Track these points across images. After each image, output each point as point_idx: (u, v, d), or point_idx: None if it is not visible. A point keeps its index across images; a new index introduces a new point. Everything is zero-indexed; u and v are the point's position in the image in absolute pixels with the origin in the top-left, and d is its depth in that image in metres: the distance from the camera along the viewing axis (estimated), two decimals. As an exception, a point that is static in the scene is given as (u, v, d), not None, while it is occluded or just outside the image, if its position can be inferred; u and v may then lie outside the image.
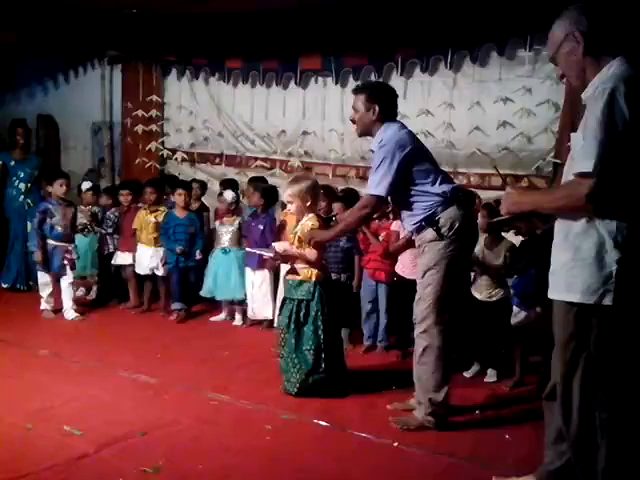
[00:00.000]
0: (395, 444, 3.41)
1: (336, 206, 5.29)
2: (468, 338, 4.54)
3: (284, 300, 4.23)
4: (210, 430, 3.56)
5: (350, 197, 5.42)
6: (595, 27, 2.40)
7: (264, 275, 5.65)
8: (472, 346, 4.61)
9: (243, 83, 7.01)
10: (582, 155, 2.29)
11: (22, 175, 6.89)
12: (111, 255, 6.31)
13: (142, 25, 6.54)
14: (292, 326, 4.05)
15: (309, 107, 6.70)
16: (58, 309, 5.94)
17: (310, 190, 4.10)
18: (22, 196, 6.86)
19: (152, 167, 7.47)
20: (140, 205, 6.21)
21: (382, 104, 3.67)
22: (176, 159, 7.47)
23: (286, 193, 4.22)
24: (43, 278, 5.92)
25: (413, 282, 3.79)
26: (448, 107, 5.91)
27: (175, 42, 6.98)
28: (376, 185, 3.56)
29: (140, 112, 7.45)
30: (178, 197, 5.99)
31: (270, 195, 5.76)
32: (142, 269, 6.08)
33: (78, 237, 6.18)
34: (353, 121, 3.80)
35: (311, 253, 4.04)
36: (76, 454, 3.17)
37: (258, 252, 4.95)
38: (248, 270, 5.69)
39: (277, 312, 4.61)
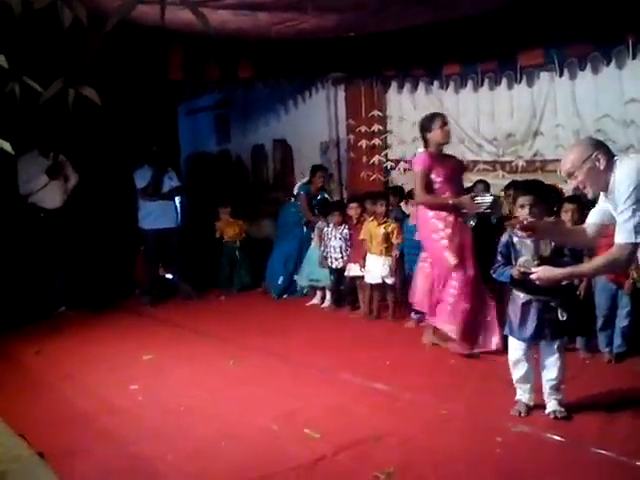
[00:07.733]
0: (639, 463, 3.15)
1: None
2: None
3: None
4: (440, 439, 3.59)
5: None
6: None
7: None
8: None
9: (462, 87, 6.95)
10: None
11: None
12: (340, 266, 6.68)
13: (360, 45, 6.79)
14: None
15: (538, 105, 6.41)
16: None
17: None
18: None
19: (376, 179, 7.72)
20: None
21: None
22: (399, 169, 7.63)
23: None
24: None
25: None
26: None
27: (392, 56, 7.14)
28: None
29: (363, 128, 7.74)
30: None
31: None
32: (373, 278, 6.31)
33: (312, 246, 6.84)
34: None
35: None
36: (315, 456, 3.40)
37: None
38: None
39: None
